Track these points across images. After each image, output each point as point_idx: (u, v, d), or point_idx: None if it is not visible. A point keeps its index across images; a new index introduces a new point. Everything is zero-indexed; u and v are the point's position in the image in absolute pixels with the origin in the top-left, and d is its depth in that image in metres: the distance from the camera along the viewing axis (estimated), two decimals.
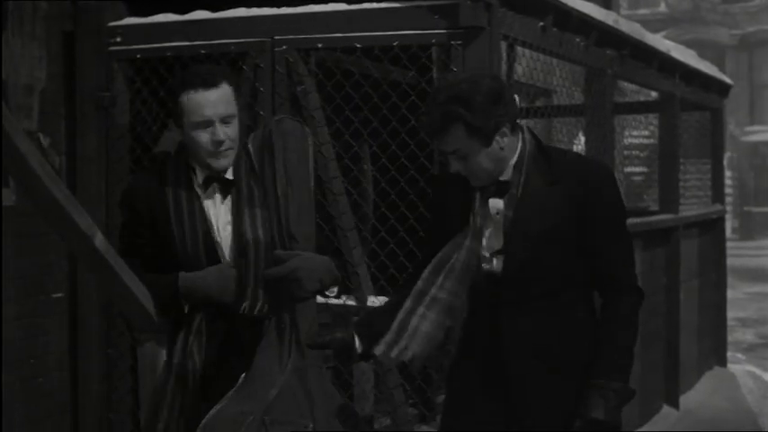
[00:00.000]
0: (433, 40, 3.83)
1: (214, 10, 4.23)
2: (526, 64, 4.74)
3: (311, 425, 2.91)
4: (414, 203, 4.07)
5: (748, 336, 10.56)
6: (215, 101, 2.85)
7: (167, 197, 2.94)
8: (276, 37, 4.01)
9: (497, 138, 2.75)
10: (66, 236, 3.12)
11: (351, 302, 4.01)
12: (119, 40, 4.32)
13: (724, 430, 6.08)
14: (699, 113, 7.56)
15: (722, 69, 9.02)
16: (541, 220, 2.79)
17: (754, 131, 29.70)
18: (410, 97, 3.96)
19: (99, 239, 3.03)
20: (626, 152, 7.08)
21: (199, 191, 2.96)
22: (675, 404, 6.31)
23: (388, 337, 2.88)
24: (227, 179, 2.97)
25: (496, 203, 2.84)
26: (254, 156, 3.01)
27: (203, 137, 2.87)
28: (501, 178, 2.83)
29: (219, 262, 2.96)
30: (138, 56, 4.29)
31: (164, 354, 3.16)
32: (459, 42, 3.74)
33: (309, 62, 4.08)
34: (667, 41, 6.42)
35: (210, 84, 2.84)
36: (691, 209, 7.08)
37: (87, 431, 4.40)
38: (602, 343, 2.81)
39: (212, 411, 2.91)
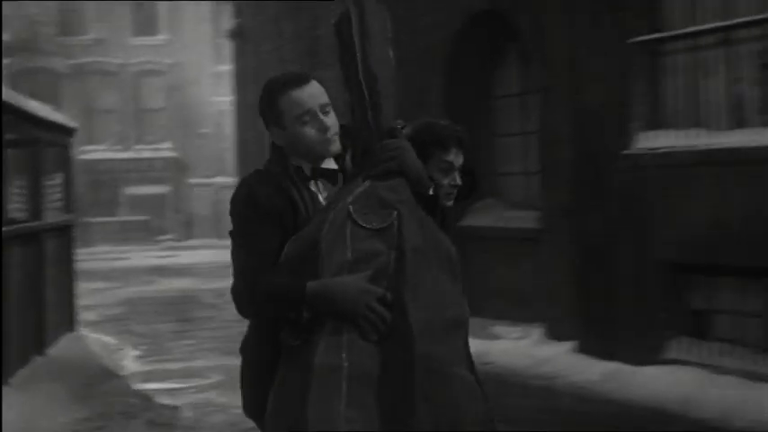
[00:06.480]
0: None
1: None
2: None
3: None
4: None
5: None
6: (312, 93, 2.87)
7: (293, 195, 2.85)
8: None
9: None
10: None
11: None
12: None
13: None
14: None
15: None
16: None
17: (90, 150, 32.45)
18: None
19: None
20: None
21: (312, 187, 2.92)
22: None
23: None
24: (333, 169, 2.94)
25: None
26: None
27: (310, 128, 2.86)
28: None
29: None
30: None
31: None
32: None
33: None
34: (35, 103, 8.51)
35: (304, 80, 2.89)
36: None
37: None
38: None
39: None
